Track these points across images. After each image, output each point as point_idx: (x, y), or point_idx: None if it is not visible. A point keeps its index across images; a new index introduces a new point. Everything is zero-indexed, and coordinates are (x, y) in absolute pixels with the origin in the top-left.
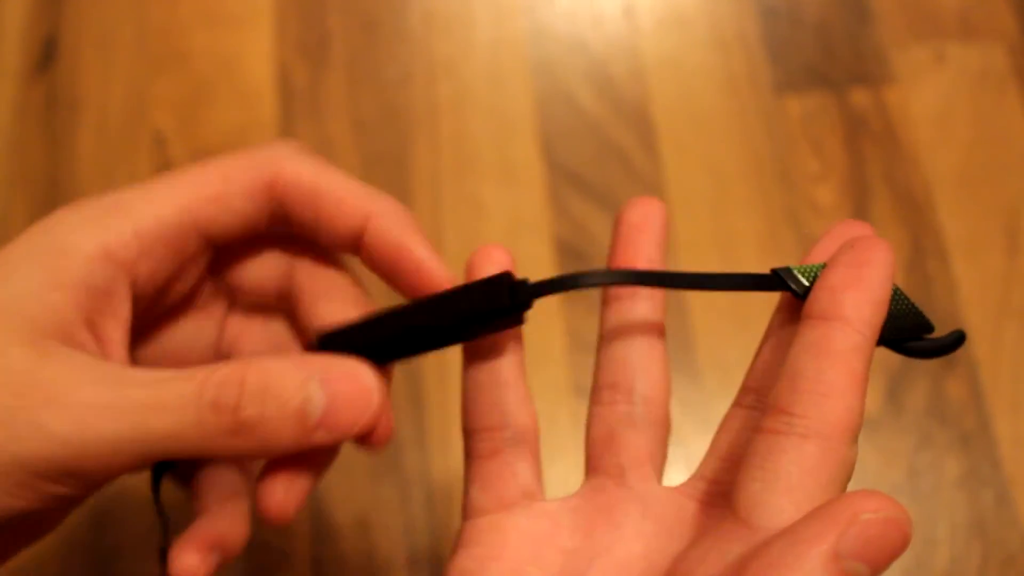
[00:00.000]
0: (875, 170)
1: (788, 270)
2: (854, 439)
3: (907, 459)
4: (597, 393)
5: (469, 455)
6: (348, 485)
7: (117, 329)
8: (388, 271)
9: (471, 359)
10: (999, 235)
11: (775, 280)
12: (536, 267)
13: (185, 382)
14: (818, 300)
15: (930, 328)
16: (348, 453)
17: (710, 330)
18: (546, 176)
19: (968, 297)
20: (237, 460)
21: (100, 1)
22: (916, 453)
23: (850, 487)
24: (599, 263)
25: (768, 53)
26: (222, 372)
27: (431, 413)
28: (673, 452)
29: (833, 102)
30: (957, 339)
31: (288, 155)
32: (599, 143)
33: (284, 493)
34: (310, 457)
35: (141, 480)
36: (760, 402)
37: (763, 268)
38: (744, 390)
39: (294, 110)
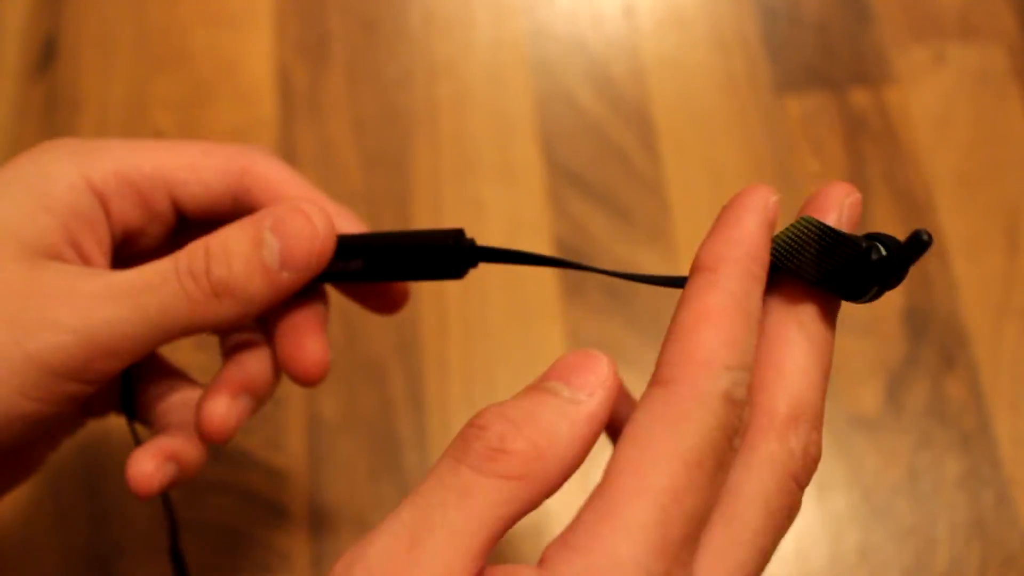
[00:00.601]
0: (875, 170)
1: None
2: (717, 370)
3: (907, 459)
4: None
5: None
6: (348, 485)
7: (99, 253)
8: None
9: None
10: (999, 235)
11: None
12: (536, 267)
13: (163, 261)
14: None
15: (861, 249)
16: (348, 453)
17: None
18: (546, 176)
19: (968, 297)
20: (229, 328)
21: (100, 1)
22: (916, 453)
23: (850, 486)
24: (599, 263)
25: (768, 53)
26: (189, 246)
27: (431, 413)
28: None
29: (833, 102)
30: (919, 240)
31: (263, 155)
32: (599, 143)
33: (225, 410)
34: (251, 381)
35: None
36: None
37: None
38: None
39: (294, 110)
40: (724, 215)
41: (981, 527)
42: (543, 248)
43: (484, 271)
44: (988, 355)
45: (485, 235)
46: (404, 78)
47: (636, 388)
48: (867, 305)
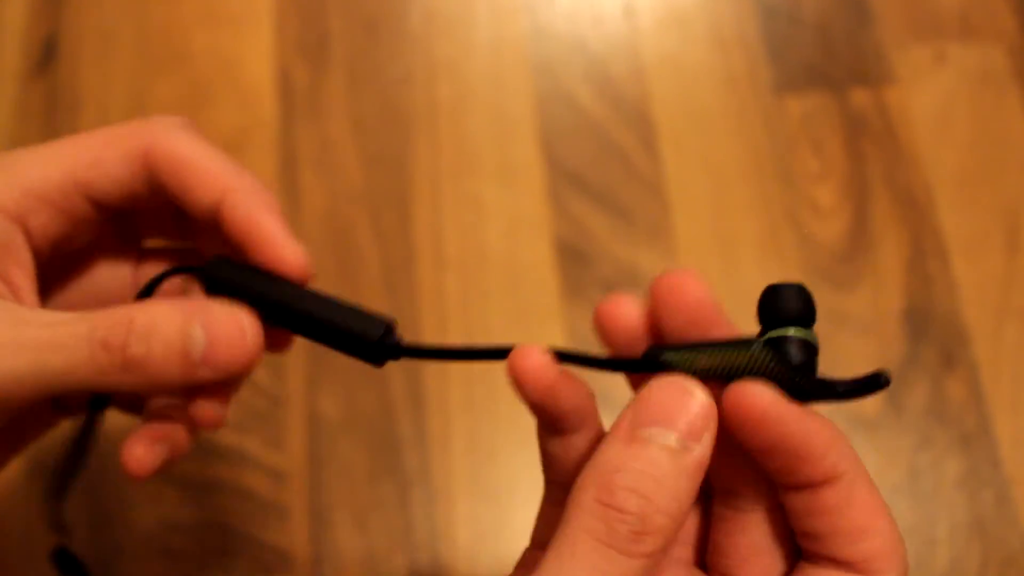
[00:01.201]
0: (875, 170)
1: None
2: (903, 554)
3: (907, 459)
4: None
5: (543, 496)
6: (348, 485)
7: (23, 276)
8: (242, 245)
9: (548, 429)
10: (999, 235)
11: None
12: (536, 267)
13: (79, 323)
14: (791, 477)
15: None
16: (348, 453)
17: None
18: (546, 176)
19: (968, 297)
20: (133, 394)
21: (100, 1)
22: (916, 453)
23: None
24: (599, 263)
25: (768, 53)
26: (112, 314)
27: (431, 413)
28: None
29: (833, 102)
30: (873, 380)
31: (167, 128)
32: (599, 143)
33: (143, 452)
34: (172, 430)
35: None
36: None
37: (763, 268)
38: (725, 492)
39: (294, 110)
40: (785, 443)
41: (981, 527)
42: (543, 247)
43: (487, 269)
44: (988, 355)
45: (485, 235)
46: (404, 78)
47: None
48: (867, 305)
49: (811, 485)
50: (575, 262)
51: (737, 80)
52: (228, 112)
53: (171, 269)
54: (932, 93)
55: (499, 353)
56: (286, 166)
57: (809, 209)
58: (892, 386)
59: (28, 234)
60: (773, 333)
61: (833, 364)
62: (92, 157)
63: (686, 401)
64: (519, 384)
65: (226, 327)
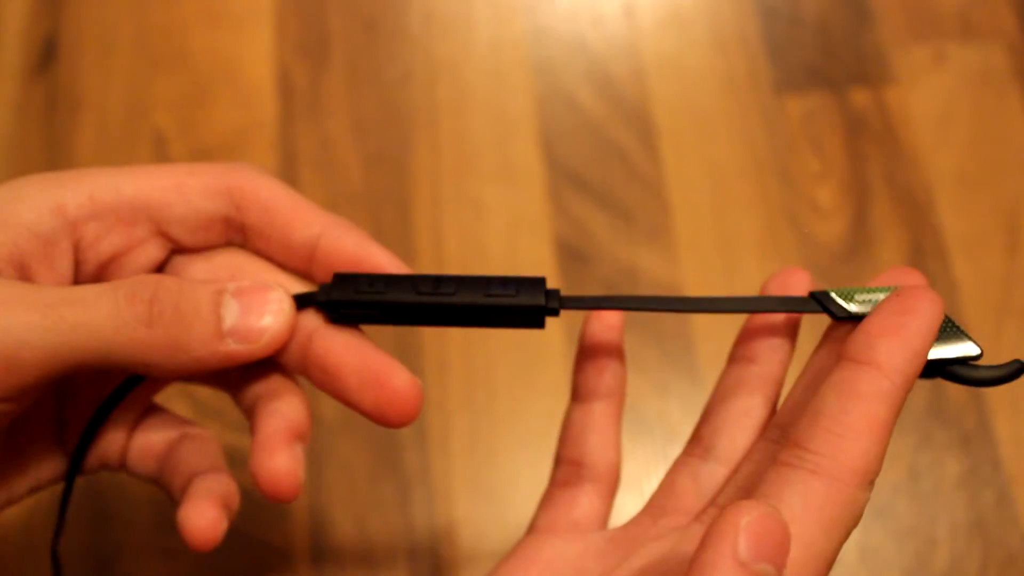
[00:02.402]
0: (875, 170)
1: (826, 294)
2: (867, 484)
3: (907, 459)
4: (688, 442)
5: (550, 480)
6: (348, 485)
7: (51, 280)
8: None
9: (575, 397)
10: (999, 235)
11: (811, 303)
12: (536, 267)
13: (100, 284)
14: (855, 342)
15: (977, 355)
16: (348, 453)
17: (711, 331)
18: (546, 176)
19: (968, 297)
20: (148, 372)
21: (100, 1)
22: (916, 453)
23: None
24: (599, 263)
25: (768, 53)
26: (139, 275)
27: (431, 413)
28: (673, 451)
29: (833, 102)
30: (1017, 370)
31: (254, 172)
32: (599, 143)
33: (288, 464)
34: (296, 427)
35: (141, 480)
36: (784, 437)
37: (763, 268)
38: (772, 425)
39: (294, 110)
40: (909, 321)
41: (981, 527)
42: (543, 247)
43: (487, 269)
44: (988, 355)
45: (485, 235)
46: (404, 78)
47: (635, 387)
48: None
49: (864, 360)
50: (575, 262)
51: (737, 80)
52: (228, 112)
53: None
54: (932, 93)
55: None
56: (286, 166)
57: (809, 209)
58: None
59: (79, 242)
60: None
61: None
62: (174, 182)
63: (782, 531)
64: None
65: (260, 299)
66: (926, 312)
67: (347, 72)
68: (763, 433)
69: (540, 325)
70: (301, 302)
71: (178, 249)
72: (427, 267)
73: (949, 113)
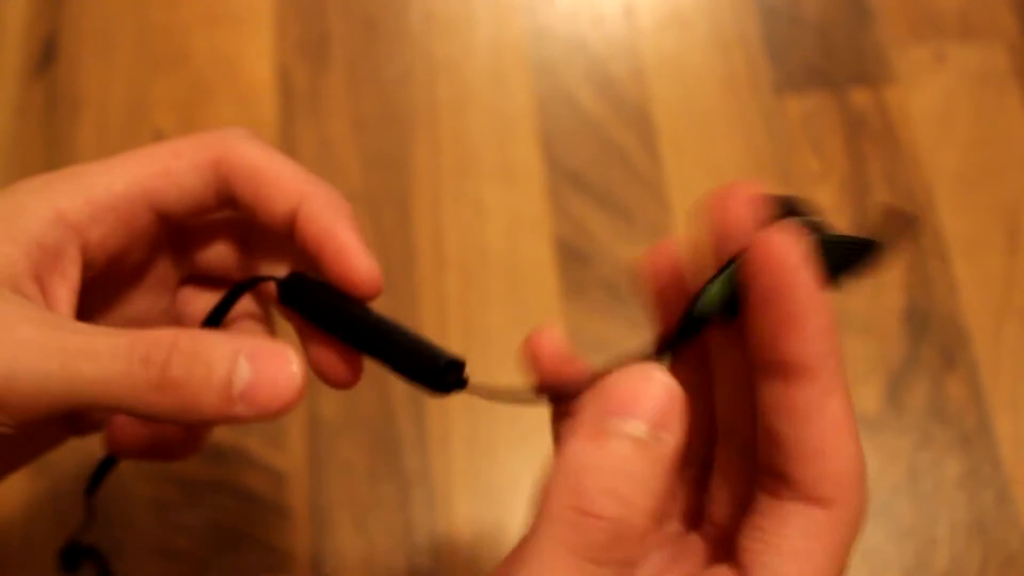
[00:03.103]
0: (875, 170)
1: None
2: (862, 485)
3: (907, 459)
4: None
5: None
6: (348, 485)
7: (64, 288)
8: (316, 255)
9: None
10: (999, 235)
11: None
12: (536, 267)
13: (120, 336)
14: (762, 354)
15: (870, 244)
16: (348, 453)
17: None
18: (546, 176)
19: (968, 297)
20: (157, 421)
21: (100, 1)
22: (916, 453)
23: None
24: (599, 263)
25: (768, 53)
26: (157, 332)
27: (431, 413)
28: None
29: (833, 102)
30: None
31: (237, 138)
32: (599, 143)
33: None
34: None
35: (141, 480)
36: (746, 448)
37: None
38: (726, 434)
39: (294, 110)
40: (801, 309)
41: (981, 527)
42: (543, 247)
43: (487, 269)
44: (988, 355)
45: (485, 235)
46: (404, 78)
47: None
48: (867, 305)
49: (788, 371)
50: (575, 262)
51: (737, 80)
52: (228, 112)
53: (247, 280)
54: (932, 93)
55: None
56: None
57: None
58: (892, 386)
59: (85, 245)
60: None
61: None
62: (161, 167)
63: (650, 387)
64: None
65: (273, 366)
66: (801, 280)
67: (347, 72)
68: (723, 440)
69: (443, 392)
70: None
71: (180, 233)
72: (427, 267)
73: (949, 113)
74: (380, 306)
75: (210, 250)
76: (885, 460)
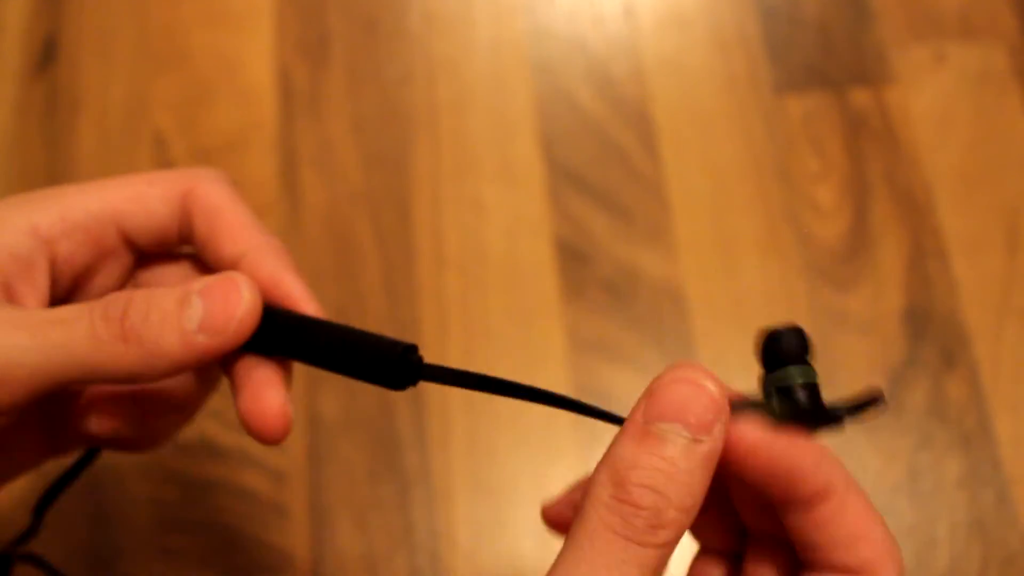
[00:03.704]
0: (875, 170)
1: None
2: (897, 561)
3: (907, 459)
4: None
5: None
6: (348, 485)
7: (33, 297)
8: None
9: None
10: (999, 235)
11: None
12: (536, 267)
13: (77, 305)
14: (784, 497)
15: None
16: (348, 453)
17: (710, 331)
18: (546, 176)
19: (968, 297)
20: (132, 380)
21: (100, 1)
22: (916, 453)
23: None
24: (599, 263)
25: (768, 53)
26: (113, 293)
27: (431, 413)
28: None
29: (833, 102)
30: (870, 399)
31: (210, 179)
32: (599, 143)
33: (281, 401)
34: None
35: (141, 479)
36: (777, 542)
37: (763, 268)
38: (755, 533)
39: (294, 110)
40: (777, 465)
41: (981, 527)
42: (543, 247)
43: (487, 269)
44: (988, 355)
45: (485, 235)
46: (404, 78)
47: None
48: (867, 305)
49: (807, 503)
50: (575, 262)
51: (737, 80)
52: (228, 112)
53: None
54: (932, 93)
55: (512, 389)
56: (286, 166)
57: (809, 209)
58: (892, 386)
59: (54, 259)
60: (778, 377)
61: (833, 364)
62: (134, 192)
63: (697, 394)
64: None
65: (222, 287)
66: (782, 451)
67: (347, 72)
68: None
69: (400, 387)
70: None
71: (144, 257)
72: (427, 267)
73: (949, 113)
74: (380, 306)
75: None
76: (885, 460)
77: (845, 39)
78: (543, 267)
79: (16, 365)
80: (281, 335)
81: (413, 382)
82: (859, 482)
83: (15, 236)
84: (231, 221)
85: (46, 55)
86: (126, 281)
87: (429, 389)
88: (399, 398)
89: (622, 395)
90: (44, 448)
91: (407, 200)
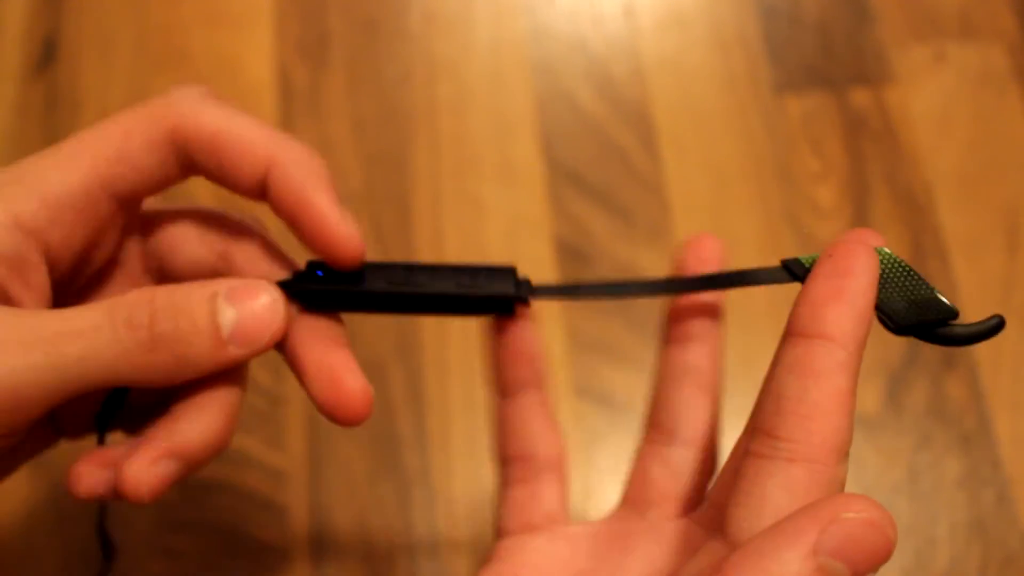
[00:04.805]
0: (875, 170)
1: (797, 261)
2: (843, 458)
3: (907, 459)
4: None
5: (501, 482)
6: (348, 485)
7: (31, 297)
8: (291, 221)
9: (500, 393)
10: (999, 235)
11: (784, 272)
12: (536, 267)
13: (94, 309)
14: (799, 316)
15: (954, 314)
16: (348, 453)
17: None
18: (546, 176)
19: (968, 297)
20: (154, 387)
21: (100, 1)
22: (916, 453)
23: (850, 488)
24: (599, 263)
25: (768, 53)
26: (129, 295)
27: (431, 413)
28: None
29: (833, 102)
30: (996, 325)
31: (190, 102)
32: (599, 143)
33: (142, 475)
34: (181, 448)
35: None
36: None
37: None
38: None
39: (294, 110)
40: (847, 284)
41: (981, 527)
42: (543, 247)
43: (483, 261)
44: (988, 355)
45: (485, 235)
46: (404, 78)
47: (635, 387)
48: None
49: (817, 332)
50: (575, 262)
51: (737, 80)
52: None
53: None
54: (932, 93)
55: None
56: None
57: (809, 209)
58: (892, 386)
59: (48, 249)
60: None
61: None
62: (114, 151)
63: (885, 543)
64: None
65: (254, 296)
66: (863, 270)
67: (347, 72)
68: (746, 426)
69: (510, 312)
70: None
71: (149, 224)
72: None
73: (949, 113)
74: None
75: (183, 242)
76: (885, 460)
77: (845, 39)
78: (543, 267)
79: (30, 386)
80: (383, 291)
81: (525, 300)
82: (859, 482)
83: (0, 233)
84: (236, 142)
85: (46, 55)
86: (129, 240)
87: (429, 390)
88: (399, 398)
89: (622, 395)
90: (52, 437)
91: (407, 200)
